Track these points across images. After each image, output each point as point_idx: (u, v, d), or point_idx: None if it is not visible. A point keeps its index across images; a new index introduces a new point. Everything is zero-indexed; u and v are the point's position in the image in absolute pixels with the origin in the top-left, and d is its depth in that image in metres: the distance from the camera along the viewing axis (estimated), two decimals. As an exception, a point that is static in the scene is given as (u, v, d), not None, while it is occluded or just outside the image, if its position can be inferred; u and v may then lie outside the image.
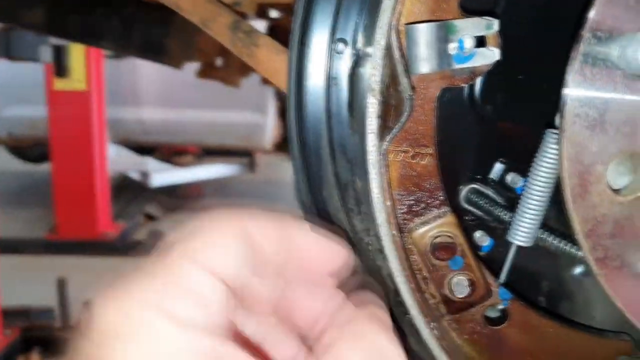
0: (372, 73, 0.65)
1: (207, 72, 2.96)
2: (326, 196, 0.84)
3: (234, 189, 8.06)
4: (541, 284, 0.90)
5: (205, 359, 0.50)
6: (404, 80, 0.65)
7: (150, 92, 7.66)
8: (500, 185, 0.84)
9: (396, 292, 0.73)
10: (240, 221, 0.56)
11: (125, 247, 6.04)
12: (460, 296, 0.77)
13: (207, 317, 0.52)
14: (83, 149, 6.27)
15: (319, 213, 0.85)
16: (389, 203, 0.69)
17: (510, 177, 0.84)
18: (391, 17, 0.65)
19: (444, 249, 0.75)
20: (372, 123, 0.66)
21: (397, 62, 0.65)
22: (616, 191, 0.65)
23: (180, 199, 7.68)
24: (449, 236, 0.75)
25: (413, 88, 0.67)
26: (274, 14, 2.87)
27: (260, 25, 2.78)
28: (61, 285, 4.26)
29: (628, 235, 0.65)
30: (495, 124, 0.84)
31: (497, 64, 0.74)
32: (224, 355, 0.51)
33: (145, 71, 7.33)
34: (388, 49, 0.65)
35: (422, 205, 0.76)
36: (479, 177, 0.85)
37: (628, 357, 0.80)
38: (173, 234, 0.56)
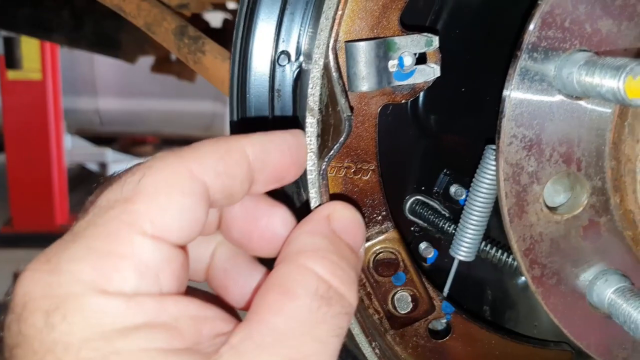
0: (311, 93, 0.64)
1: (161, 66, 2.91)
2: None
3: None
4: (486, 293, 0.90)
5: (144, 329, 0.48)
6: (342, 101, 0.64)
7: (108, 81, 7.53)
8: (445, 196, 0.85)
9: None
10: (184, 169, 0.53)
11: (82, 240, 5.95)
12: (404, 312, 0.77)
13: (153, 281, 0.50)
14: (39, 140, 6.15)
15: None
16: (329, 222, 0.68)
17: (454, 189, 0.84)
18: (329, 36, 0.64)
19: (386, 265, 0.75)
20: (311, 142, 0.65)
21: (335, 83, 0.64)
22: (553, 209, 0.65)
23: (139, 189, 7.59)
24: (392, 252, 0.75)
25: (351, 108, 0.66)
26: (232, 5, 2.83)
27: (219, 17, 2.74)
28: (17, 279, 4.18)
29: (564, 253, 0.65)
30: (439, 136, 0.84)
31: (440, 78, 0.74)
32: (172, 320, 0.49)
33: (102, 60, 7.19)
34: (326, 68, 0.64)
35: (365, 221, 0.75)
36: (423, 188, 0.85)
37: (568, 366, 0.82)
38: (114, 189, 0.53)
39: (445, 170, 0.85)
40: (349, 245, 0.58)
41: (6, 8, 2.65)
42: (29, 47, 5.56)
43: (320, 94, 0.65)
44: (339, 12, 0.64)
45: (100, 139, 7.82)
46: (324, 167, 0.66)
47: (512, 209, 0.63)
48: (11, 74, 5.76)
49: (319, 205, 0.67)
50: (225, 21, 2.76)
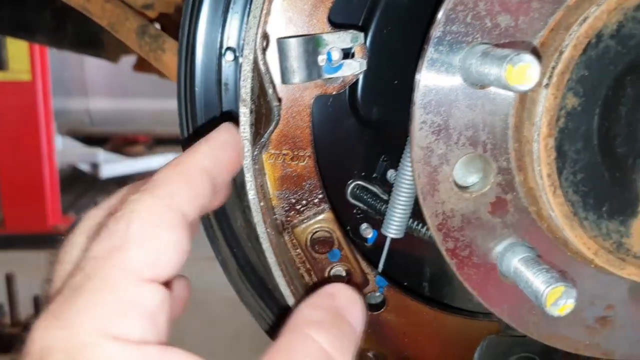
0: (243, 85, 0.71)
1: (143, 65, 2.97)
2: (223, 195, 0.90)
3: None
4: (424, 270, 0.97)
5: None
6: (269, 92, 0.70)
7: (98, 81, 7.57)
8: (383, 181, 0.91)
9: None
10: (163, 207, 0.58)
11: (75, 240, 5.98)
12: (339, 285, 0.83)
13: (153, 326, 0.54)
14: (29, 141, 6.17)
15: (214, 212, 0.91)
16: (262, 204, 0.75)
17: (389, 174, 0.91)
18: (256, 33, 0.70)
19: (322, 243, 0.82)
20: (245, 131, 0.72)
21: (263, 75, 0.70)
22: (464, 188, 0.72)
23: (132, 189, 7.63)
24: (327, 231, 0.82)
25: (279, 99, 0.73)
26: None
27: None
28: (9, 280, 4.22)
29: (475, 227, 0.72)
30: (377, 125, 0.90)
31: (375, 71, 0.81)
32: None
33: (92, 60, 7.22)
34: (255, 62, 0.71)
35: (303, 202, 0.82)
36: (364, 174, 0.92)
37: (496, 335, 0.88)
38: (104, 238, 0.57)
39: (383, 157, 0.91)
40: (349, 322, 0.64)
41: (-14, 10, 2.69)
42: (18, 48, 5.59)
43: (252, 86, 0.72)
44: (264, 11, 0.70)
45: (92, 140, 7.85)
46: (256, 153, 0.72)
47: (425, 187, 0.70)
48: (0, 75, 5.79)
49: (325, 282, 0.72)
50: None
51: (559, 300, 0.66)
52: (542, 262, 0.71)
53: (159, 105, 7.41)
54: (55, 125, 6.61)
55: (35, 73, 5.98)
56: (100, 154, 7.76)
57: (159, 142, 8.19)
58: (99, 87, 7.62)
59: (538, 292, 0.67)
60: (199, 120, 0.86)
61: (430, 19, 0.82)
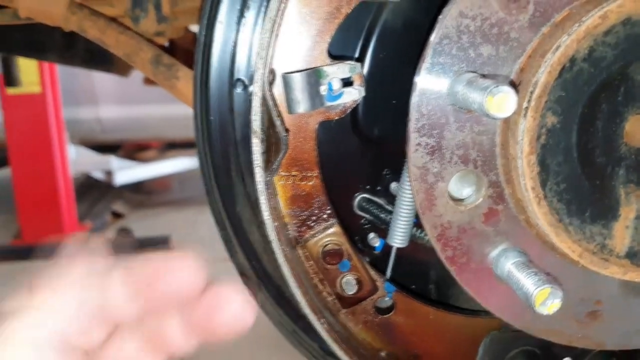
0: (254, 118, 0.79)
1: (153, 78, 3.05)
2: (240, 211, 0.98)
3: (199, 181, 8.11)
4: (430, 274, 1.05)
5: None
6: (278, 123, 0.78)
7: (107, 89, 7.66)
8: (386, 193, 0.99)
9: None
10: (75, 283, 0.58)
11: (93, 248, 6.07)
12: (351, 293, 0.91)
13: None
14: (42, 152, 6.22)
15: (233, 226, 0.99)
16: (276, 223, 0.82)
17: (393, 186, 0.98)
18: (263, 72, 0.78)
19: (332, 255, 0.90)
20: (257, 159, 0.79)
21: (271, 109, 0.78)
22: (459, 201, 0.79)
23: (146, 194, 7.73)
24: (337, 244, 0.90)
25: (287, 129, 0.80)
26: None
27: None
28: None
29: (471, 236, 0.80)
30: (378, 143, 0.98)
31: (374, 94, 0.88)
32: None
33: (100, 70, 7.31)
34: (264, 98, 0.78)
35: (313, 218, 0.90)
36: (368, 187, 0.99)
37: (498, 331, 0.96)
38: (14, 299, 0.58)
39: (385, 171, 0.99)
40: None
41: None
42: (27, 61, 5.67)
43: (262, 118, 0.79)
44: (270, 51, 0.78)
45: (104, 147, 7.95)
46: (268, 178, 0.80)
47: (423, 203, 0.78)
48: (10, 89, 5.87)
49: None
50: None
51: (546, 301, 0.74)
52: (532, 265, 0.78)
53: (168, 110, 7.49)
54: (67, 135, 6.69)
55: (45, 85, 6.04)
56: (113, 161, 7.84)
57: (170, 147, 8.28)
58: (109, 95, 7.71)
59: (528, 293, 0.74)
60: (215, 145, 0.94)
61: (421, 41, 0.90)
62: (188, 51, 1.93)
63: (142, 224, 6.56)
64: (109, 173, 7.58)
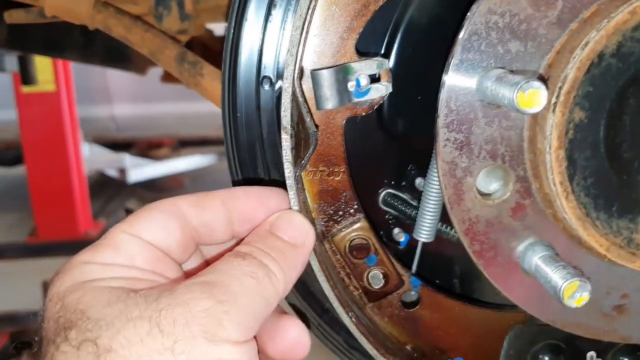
0: (284, 115, 0.80)
1: (171, 76, 3.07)
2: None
3: (212, 178, 8.16)
4: (454, 268, 1.05)
5: (117, 294, 0.67)
6: (307, 119, 0.79)
7: (121, 87, 7.70)
8: (411, 188, 1.00)
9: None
10: (168, 201, 0.77)
11: (107, 245, 6.11)
12: (377, 287, 0.92)
13: (126, 263, 0.71)
14: (57, 150, 6.27)
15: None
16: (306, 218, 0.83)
17: (418, 181, 0.99)
18: (294, 70, 0.79)
19: (360, 249, 0.91)
20: (287, 154, 0.81)
21: (301, 105, 0.79)
22: (486, 195, 0.80)
23: (159, 192, 7.77)
24: (363, 238, 0.91)
25: (316, 125, 0.81)
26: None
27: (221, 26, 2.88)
28: (46, 288, 4.36)
29: (498, 231, 0.80)
30: (403, 138, 0.99)
31: (399, 90, 0.89)
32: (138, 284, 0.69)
33: (114, 68, 7.34)
34: (294, 94, 0.80)
35: (340, 213, 0.91)
36: (393, 182, 1.00)
37: (522, 325, 0.97)
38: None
39: (410, 166, 1.00)
40: (279, 237, 0.78)
41: (18, 32, 2.80)
42: (41, 59, 5.70)
43: (292, 114, 0.80)
44: (300, 48, 0.79)
45: (118, 145, 8.00)
46: (297, 173, 0.81)
47: (451, 197, 0.78)
48: (26, 87, 5.90)
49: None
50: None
51: (575, 294, 0.74)
52: (559, 259, 0.79)
53: (181, 108, 7.53)
54: (81, 133, 6.73)
55: (59, 83, 6.08)
56: (127, 159, 7.89)
57: (183, 144, 8.32)
58: (122, 93, 7.76)
59: (556, 287, 0.75)
60: (241, 141, 0.96)
61: (446, 37, 0.90)
62: (205, 47, 1.95)
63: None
64: (122, 171, 7.63)
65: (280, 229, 0.78)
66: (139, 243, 0.73)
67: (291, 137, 0.81)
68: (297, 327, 0.81)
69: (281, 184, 0.86)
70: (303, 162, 0.81)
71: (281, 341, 0.79)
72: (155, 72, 3.91)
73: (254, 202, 0.80)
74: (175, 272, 0.75)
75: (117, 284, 0.69)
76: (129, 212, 7.28)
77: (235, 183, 0.99)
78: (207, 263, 0.82)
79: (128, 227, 0.74)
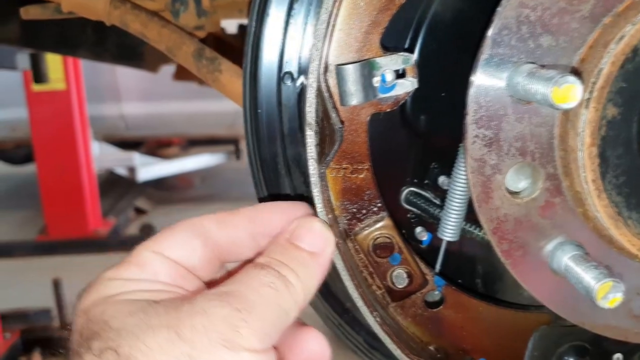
0: (308, 110, 0.78)
1: (183, 73, 3.07)
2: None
3: (222, 177, 8.17)
4: (477, 268, 1.04)
5: (139, 305, 0.68)
6: (333, 115, 0.78)
7: (131, 86, 7.72)
8: (434, 187, 0.98)
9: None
10: (192, 220, 0.77)
11: (117, 243, 6.15)
12: (401, 286, 0.91)
13: (150, 278, 0.72)
14: (67, 148, 6.29)
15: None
16: (330, 216, 0.82)
17: (441, 180, 0.97)
18: (319, 65, 0.77)
19: (383, 248, 0.89)
20: (311, 151, 0.79)
21: (326, 101, 0.78)
22: (515, 194, 0.79)
23: (168, 190, 7.78)
24: (387, 237, 0.89)
25: (342, 121, 0.80)
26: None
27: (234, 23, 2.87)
28: (56, 285, 4.37)
29: (527, 229, 0.79)
30: (426, 135, 0.97)
31: (423, 86, 0.88)
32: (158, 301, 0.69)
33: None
34: (319, 90, 0.78)
35: (363, 212, 0.90)
36: (416, 181, 0.99)
37: (547, 326, 0.95)
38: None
39: (433, 164, 0.98)
40: (300, 247, 0.77)
41: (31, 29, 2.80)
42: (51, 57, 5.71)
43: (316, 110, 0.79)
44: (326, 43, 0.78)
45: (127, 144, 8.01)
46: (322, 170, 0.80)
47: (480, 195, 0.77)
48: (36, 86, 5.92)
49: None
50: (240, 26, 2.90)
51: (608, 294, 0.73)
52: (590, 259, 0.77)
53: (191, 107, 7.53)
54: (91, 132, 6.74)
55: (69, 81, 6.10)
56: (136, 158, 7.90)
57: (193, 143, 8.33)
58: (132, 92, 7.77)
59: (589, 287, 0.74)
60: (263, 137, 0.94)
61: (471, 32, 0.89)
62: (221, 43, 1.94)
63: (165, 220, 6.59)
64: (131, 169, 7.65)
65: (299, 237, 0.77)
66: (163, 260, 0.74)
67: (315, 133, 0.79)
68: (317, 339, 0.81)
69: (306, 198, 0.85)
70: (328, 159, 0.79)
71: (301, 353, 0.79)
72: (165, 71, 3.91)
73: (279, 217, 0.80)
74: (198, 289, 0.76)
75: (140, 297, 0.70)
76: (138, 211, 7.29)
77: (261, 200, 0.98)
78: (230, 275, 0.81)
79: (152, 245, 0.75)
